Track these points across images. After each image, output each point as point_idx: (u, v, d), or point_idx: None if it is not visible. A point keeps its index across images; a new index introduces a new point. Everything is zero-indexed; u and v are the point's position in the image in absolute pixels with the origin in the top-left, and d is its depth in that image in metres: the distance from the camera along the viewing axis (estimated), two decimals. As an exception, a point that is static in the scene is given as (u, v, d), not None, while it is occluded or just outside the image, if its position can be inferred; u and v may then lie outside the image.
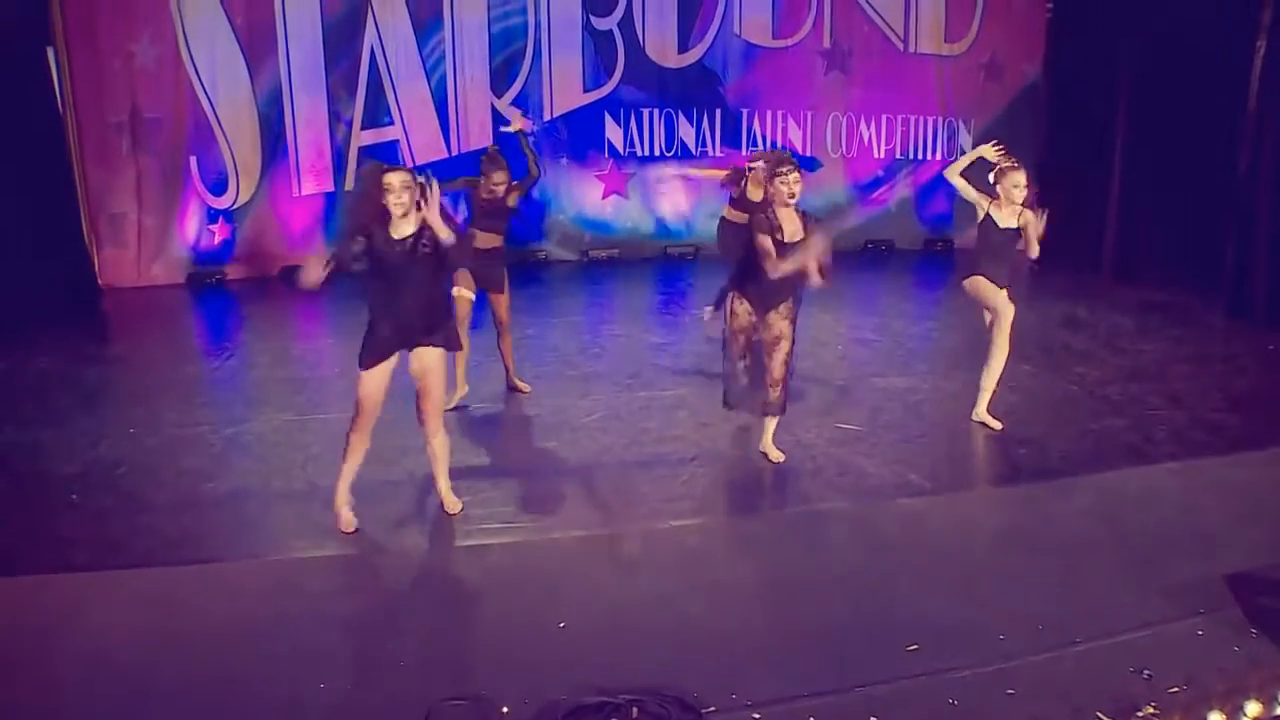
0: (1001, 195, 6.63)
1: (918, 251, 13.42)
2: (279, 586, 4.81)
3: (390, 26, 11.43)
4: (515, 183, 7.16)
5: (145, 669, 4.15)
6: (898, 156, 13.37)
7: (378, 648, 4.27)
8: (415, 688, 3.96)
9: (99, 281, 10.76)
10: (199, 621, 4.49)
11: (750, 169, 8.33)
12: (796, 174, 5.88)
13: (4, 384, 7.72)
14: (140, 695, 3.98)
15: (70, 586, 4.79)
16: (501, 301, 7.17)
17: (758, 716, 3.80)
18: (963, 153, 13.44)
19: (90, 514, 5.55)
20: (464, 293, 6.88)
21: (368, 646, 4.29)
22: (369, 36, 11.37)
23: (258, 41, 11.02)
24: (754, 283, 5.98)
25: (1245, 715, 3.90)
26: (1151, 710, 3.88)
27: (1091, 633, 4.42)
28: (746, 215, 8.52)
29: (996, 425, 6.83)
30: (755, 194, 8.44)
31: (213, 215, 11.22)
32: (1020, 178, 6.58)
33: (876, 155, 13.32)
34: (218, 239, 11.29)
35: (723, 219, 8.46)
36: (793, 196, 5.86)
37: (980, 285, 6.82)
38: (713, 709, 3.82)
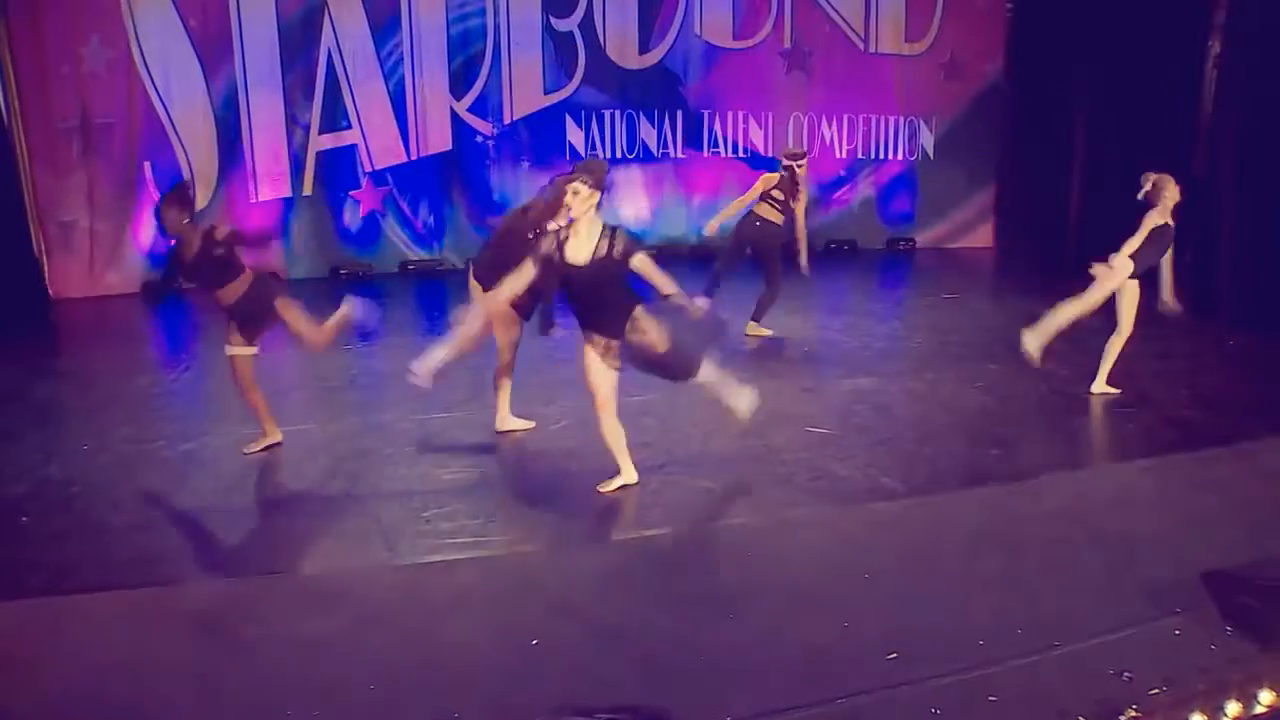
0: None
1: (880, 251, 13.44)
2: (240, 608, 4.66)
3: (347, 29, 11.25)
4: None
5: (103, 697, 3.99)
6: (859, 156, 13.39)
7: (345, 671, 4.14)
8: (387, 711, 3.85)
9: (49, 291, 10.50)
10: (159, 647, 4.32)
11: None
12: (576, 184, 5.27)
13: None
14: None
15: (22, 613, 4.60)
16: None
17: (737, 732, 3.73)
18: (924, 152, 13.57)
19: (43, 536, 5.36)
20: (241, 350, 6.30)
21: (335, 670, 4.15)
22: (326, 39, 11.19)
23: (212, 44, 10.82)
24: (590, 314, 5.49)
25: (1226, 715, 3.89)
26: (1134, 713, 3.85)
27: (1071, 635, 4.38)
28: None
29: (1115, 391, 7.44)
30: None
31: (168, 222, 10.99)
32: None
33: (838, 155, 13.33)
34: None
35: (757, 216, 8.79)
36: (568, 211, 5.31)
37: None
38: (692, 725, 3.74)
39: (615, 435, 5.77)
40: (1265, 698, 3.98)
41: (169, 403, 7.75)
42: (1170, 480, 6.10)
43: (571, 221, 5.32)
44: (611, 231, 5.38)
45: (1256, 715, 3.96)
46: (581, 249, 5.34)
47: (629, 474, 5.84)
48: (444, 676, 4.11)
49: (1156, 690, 4.02)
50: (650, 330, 5.44)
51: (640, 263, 5.38)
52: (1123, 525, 5.48)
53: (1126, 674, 4.12)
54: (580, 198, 5.28)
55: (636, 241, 5.43)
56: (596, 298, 5.41)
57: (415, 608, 4.72)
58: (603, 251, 5.32)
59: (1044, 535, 5.37)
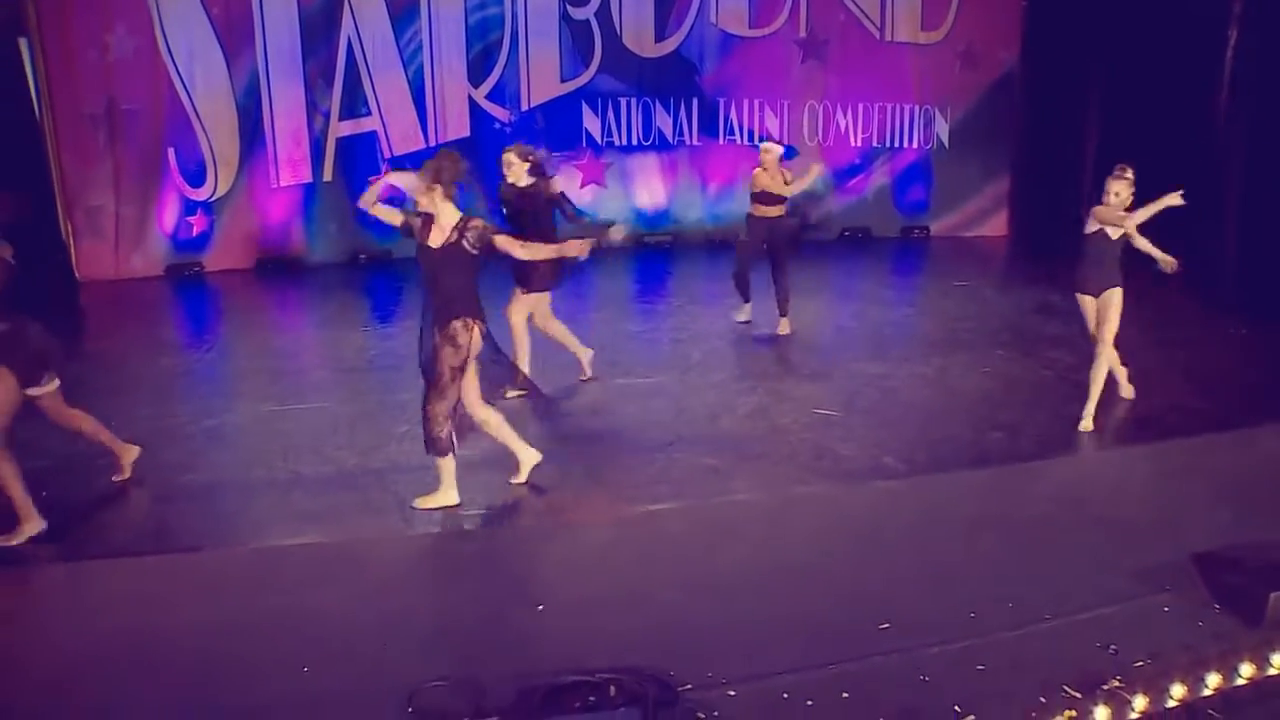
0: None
1: (894, 239, 13.52)
2: (259, 575, 4.85)
3: (367, 17, 11.41)
4: None
5: (125, 658, 4.18)
6: (874, 144, 13.43)
7: (359, 633, 4.33)
8: (398, 671, 4.02)
9: (76, 274, 10.72)
10: (179, 611, 4.52)
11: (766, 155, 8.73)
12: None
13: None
14: (119, 686, 4.02)
15: (50, 578, 4.82)
16: None
17: (733, 693, 3.88)
18: (939, 141, 13.61)
19: (70, 506, 5.56)
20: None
21: (349, 632, 4.34)
22: (346, 27, 11.34)
23: (235, 32, 10.98)
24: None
25: (1206, 687, 4.01)
26: (1116, 683, 3.98)
27: (1060, 610, 4.51)
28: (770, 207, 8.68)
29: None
30: (764, 181, 8.58)
31: (191, 206, 11.20)
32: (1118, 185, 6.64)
33: (853, 143, 13.38)
34: (196, 230, 11.26)
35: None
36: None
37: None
38: (689, 686, 3.89)
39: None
40: (1246, 670, 4.10)
41: (191, 381, 7.95)
42: (1168, 465, 6.20)
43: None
44: (464, 222, 5.33)
45: (1237, 686, 4.09)
46: (436, 235, 5.35)
47: (447, 493, 5.58)
48: (454, 639, 4.29)
49: (1140, 662, 4.14)
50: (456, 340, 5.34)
51: (503, 242, 5.42)
52: (1119, 507, 5.59)
53: (1112, 647, 4.25)
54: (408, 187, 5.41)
55: (490, 228, 5.40)
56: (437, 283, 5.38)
57: (428, 574, 4.91)
58: (453, 239, 5.30)
59: (1040, 515, 5.50)
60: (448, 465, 5.50)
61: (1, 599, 4.64)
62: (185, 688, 3.99)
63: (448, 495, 5.54)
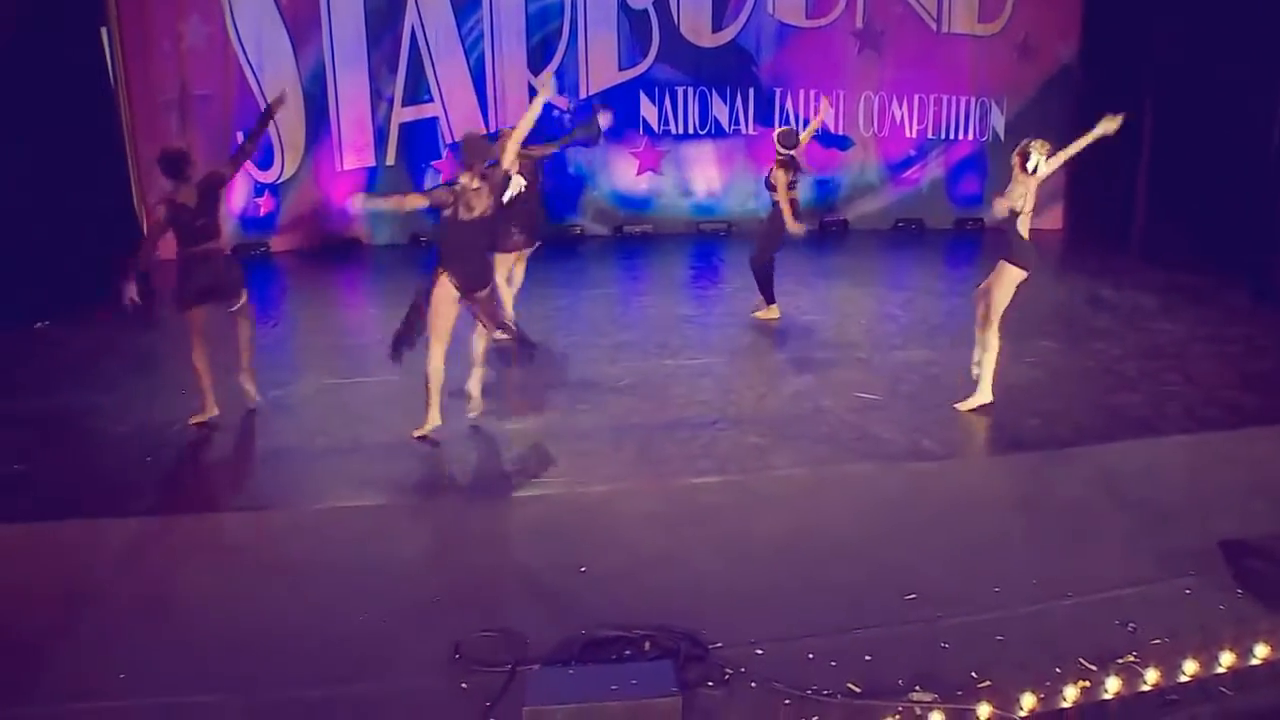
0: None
1: (948, 231, 13.54)
2: (323, 531, 5.16)
3: (430, 6, 11.71)
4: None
5: (200, 602, 4.51)
6: (930, 136, 13.46)
7: (413, 587, 4.61)
8: (447, 621, 4.29)
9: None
10: (249, 561, 4.85)
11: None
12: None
13: (64, 352, 8.14)
14: (195, 626, 4.35)
15: (131, 530, 5.17)
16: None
17: (760, 652, 4.09)
18: (994, 133, 13.59)
19: (147, 467, 5.94)
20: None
21: (404, 585, 4.63)
22: (409, 16, 11.67)
23: (302, 21, 11.35)
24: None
25: (1220, 665, 4.12)
26: (1131, 659, 4.11)
27: (1082, 589, 4.65)
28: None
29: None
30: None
31: (259, 189, 11.60)
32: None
33: (909, 135, 13.42)
34: (263, 211, 11.67)
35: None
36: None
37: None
38: (719, 644, 4.11)
39: (438, 375, 6.21)
40: (1260, 650, 4.21)
41: (258, 355, 8.22)
42: (1203, 455, 6.24)
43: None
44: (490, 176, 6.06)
45: (1251, 666, 4.20)
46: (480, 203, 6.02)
47: (434, 418, 6.28)
48: (501, 594, 4.57)
49: (1157, 640, 4.27)
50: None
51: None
52: (1150, 494, 5.67)
53: (1131, 625, 4.38)
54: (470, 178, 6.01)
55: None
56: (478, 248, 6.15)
57: (478, 537, 5.18)
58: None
59: (1072, 499, 5.61)
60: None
61: (88, 548, 4.99)
62: (251, 621, 4.32)
63: None
